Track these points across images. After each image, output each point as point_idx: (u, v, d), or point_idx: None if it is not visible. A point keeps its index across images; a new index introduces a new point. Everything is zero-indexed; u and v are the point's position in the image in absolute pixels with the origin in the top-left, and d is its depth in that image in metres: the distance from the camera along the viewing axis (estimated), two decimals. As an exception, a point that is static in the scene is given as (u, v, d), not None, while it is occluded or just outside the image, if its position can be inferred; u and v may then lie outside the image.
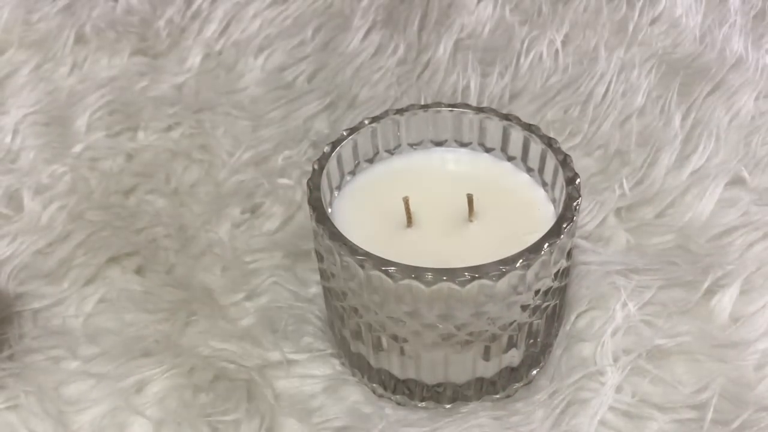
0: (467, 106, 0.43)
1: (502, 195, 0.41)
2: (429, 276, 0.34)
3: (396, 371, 0.40)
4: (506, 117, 0.42)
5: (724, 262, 0.45)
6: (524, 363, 0.40)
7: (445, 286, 0.34)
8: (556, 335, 0.43)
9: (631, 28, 0.63)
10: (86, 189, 0.52)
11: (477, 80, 0.59)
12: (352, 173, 0.43)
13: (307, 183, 0.39)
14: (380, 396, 0.41)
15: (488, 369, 0.39)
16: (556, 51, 0.61)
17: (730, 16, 0.63)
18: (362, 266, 0.35)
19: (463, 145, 0.44)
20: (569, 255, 0.38)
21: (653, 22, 0.64)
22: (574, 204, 0.37)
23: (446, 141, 0.44)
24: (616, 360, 0.41)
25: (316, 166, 0.39)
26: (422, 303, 0.35)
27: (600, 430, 0.39)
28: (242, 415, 0.40)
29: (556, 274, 0.37)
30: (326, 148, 0.40)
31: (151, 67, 0.62)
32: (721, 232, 0.48)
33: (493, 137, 0.43)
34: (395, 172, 0.42)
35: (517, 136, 0.42)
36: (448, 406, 0.40)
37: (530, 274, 0.35)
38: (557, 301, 0.39)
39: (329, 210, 0.40)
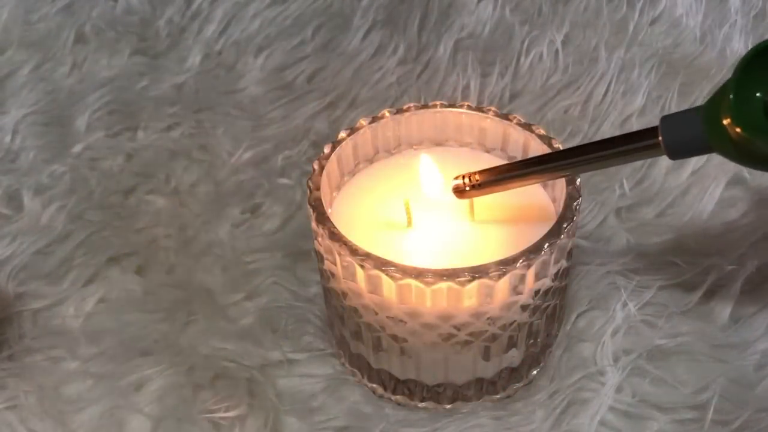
0: (467, 106, 0.43)
1: (502, 195, 0.41)
2: (429, 276, 0.34)
3: (396, 371, 0.40)
4: (506, 117, 0.42)
5: (724, 262, 0.45)
6: (524, 363, 0.40)
7: (445, 286, 0.34)
8: (556, 335, 0.42)
9: (631, 28, 0.63)
10: (86, 189, 0.52)
11: (477, 80, 0.59)
12: (352, 173, 0.43)
13: (307, 183, 0.39)
14: (380, 396, 0.41)
15: (488, 369, 0.39)
16: (556, 51, 0.61)
17: (730, 16, 0.63)
18: (362, 266, 0.35)
19: (463, 145, 0.44)
20: (569, 255, 0.38)
21: (653, 22, 0.64)
22: (574, 204, 0.37)
23: (446, 141, 0.44)
24: (616, 360, 0.41)
25: (316, 166, 0.39)
26: (422, 303, 0.35)
27: (600, 430, 0.39)
28: (245, 411, 0.40)
29: (556, 274, 0.37)
30: (326, 148, 0.40)
31: (151, 67, 0.62)
32: (721, 232, 0.48)
33: (493, 137, 0.43)
34: (395, 172, 0.42)
35: (517, 136, 0.42)
36: (448, 406, 0.40)
37: (530, 274, 0.35)
38: (557, 301, 0.39)
39: (329, 210, 0.40)
